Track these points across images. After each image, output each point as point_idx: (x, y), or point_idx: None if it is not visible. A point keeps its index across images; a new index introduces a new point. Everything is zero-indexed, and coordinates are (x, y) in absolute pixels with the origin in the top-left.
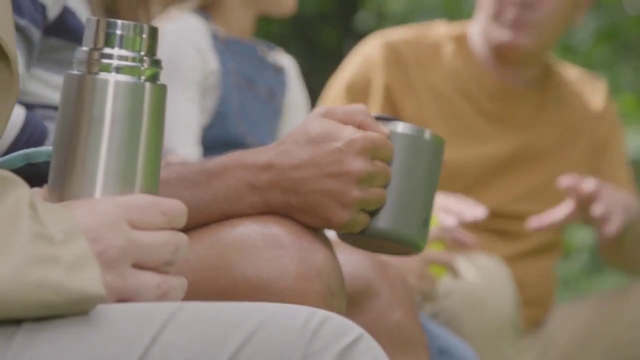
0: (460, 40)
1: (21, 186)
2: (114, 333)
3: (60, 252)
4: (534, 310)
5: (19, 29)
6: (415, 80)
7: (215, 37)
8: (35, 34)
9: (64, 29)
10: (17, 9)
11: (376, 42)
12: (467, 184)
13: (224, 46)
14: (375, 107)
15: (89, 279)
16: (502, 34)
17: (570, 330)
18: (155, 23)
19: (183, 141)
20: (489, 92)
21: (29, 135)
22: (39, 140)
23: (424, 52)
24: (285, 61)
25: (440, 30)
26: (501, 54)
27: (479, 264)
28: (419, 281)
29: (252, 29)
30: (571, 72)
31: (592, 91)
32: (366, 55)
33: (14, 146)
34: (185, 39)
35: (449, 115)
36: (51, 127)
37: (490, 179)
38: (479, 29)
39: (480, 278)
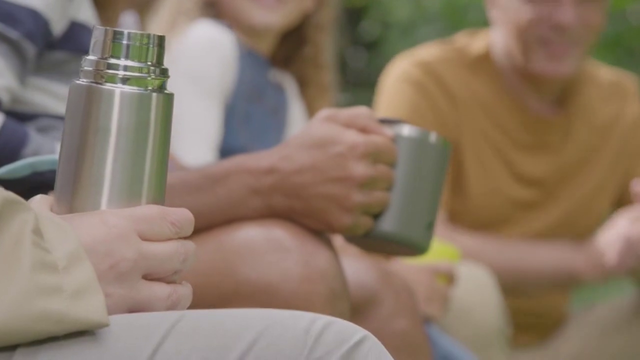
0: (484, 62)
1: (25, 210)
2: (115, 347)
3: (63, 280)
4: (546, 324)
5: (9, 42)
6: (455, 93)
7: (238, 46)
8: (30, 49)
9: (72, 43)
10: (11, 20)
11: (411, 63)
12: (502, 217)
13: (245, 55)
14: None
15: (93, 307)
16: (542, 65)
17: (580, 338)
18: (180, 30)
19: (201, 148)
20: (519, 123)
21: (3, 144)
22: (16, 148)
23: (457, 75)
24: (286, 80)
25: (467, 47)
26: (535, 80)
27: (466, 273)
28: (430, 294)
29: (258, 41)
30: (602, 76)
31: (624, 98)
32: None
33: None
34: (213, 50)
35: (483, 146)
36: (55, 135)
37: (523, 211)
38: (501, 46)
39: (467, 287)
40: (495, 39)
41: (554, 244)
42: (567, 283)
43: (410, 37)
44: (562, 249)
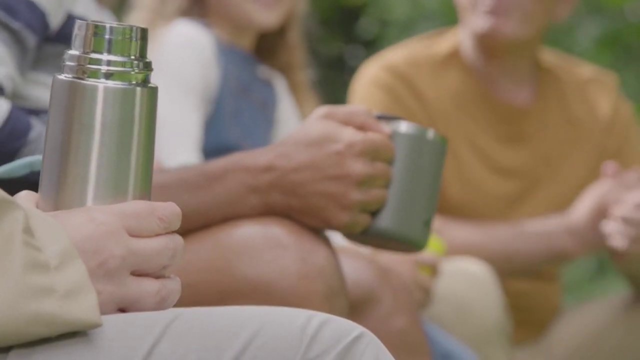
0: (453, 58)
1: (16, 209)
2: (110, 348)
3: (55, 280)
4: (538, 319)
5: (11, 31)
6: (425, 93)
7: (218, 44)
8: (30, 38)
9: (69, 36)
10: (11, 11)
11: (379, 67)
12: (485, 212)
13: (226, 52)
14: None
15: (85, 308)
16: (482, 22)
17: (574, 335)
18: (158, 30)
19: (184, 149)
20: (494, 114)
21: (10, 130)
22: (21, 135)
23: (426, 75)
24: (274, 76)
25: (435, 46)
26: (486, 46)
27: (466, 270)
28: (414, 284)
29: (241, 38)
30: (581, 73)
31: (601, 95)
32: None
33: None
34: (190, 50)
35: (459, 142)
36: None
37: (506, 205)
38: (466, 37)
39: (467, 284)
40: (463, 34)
41: (540, 225)
42: (556, 262)
43: (408, 35)
44: (548, 231)
